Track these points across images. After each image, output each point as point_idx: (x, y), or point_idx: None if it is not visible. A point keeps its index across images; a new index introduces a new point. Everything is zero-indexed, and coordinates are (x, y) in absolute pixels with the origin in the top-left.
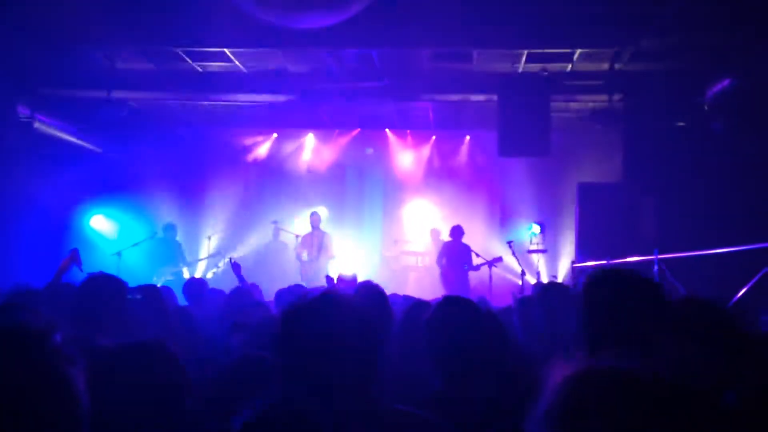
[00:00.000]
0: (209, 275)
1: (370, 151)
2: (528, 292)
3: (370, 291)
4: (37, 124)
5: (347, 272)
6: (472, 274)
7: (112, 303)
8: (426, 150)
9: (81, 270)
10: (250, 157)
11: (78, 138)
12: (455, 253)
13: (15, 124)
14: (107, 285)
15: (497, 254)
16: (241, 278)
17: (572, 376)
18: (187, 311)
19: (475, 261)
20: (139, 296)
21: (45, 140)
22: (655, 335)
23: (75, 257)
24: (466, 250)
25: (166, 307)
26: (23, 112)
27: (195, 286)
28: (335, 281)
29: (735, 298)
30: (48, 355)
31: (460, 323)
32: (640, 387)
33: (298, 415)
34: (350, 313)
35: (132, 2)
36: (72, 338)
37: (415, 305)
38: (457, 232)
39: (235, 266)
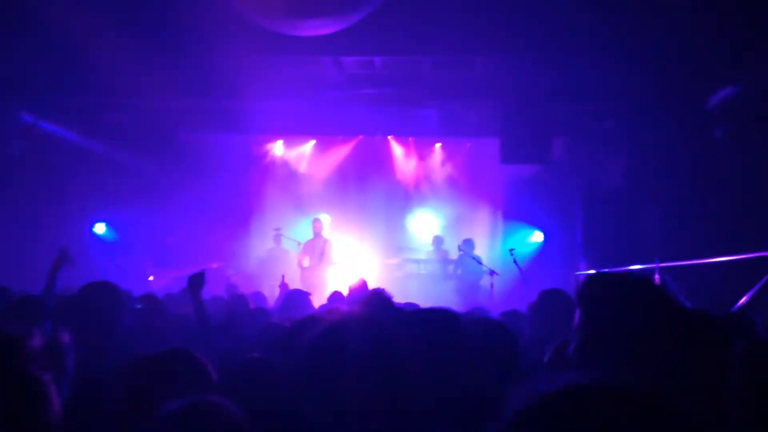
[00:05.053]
0: None
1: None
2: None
3: (379, 300)
4: (40, 131)
5: (355, 280)
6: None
7: (107, 311)
8: (429, 157)
9: (74, 266)
10: (253, 163)
11: (81, 143)
12: (468, 265)
13: (19, 130)
14: (103, 293)
15: (499, 261)
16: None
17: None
18: (188, 319)
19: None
20: (138, 305)
21: (48, 146)
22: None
23: (65, 255)
24: (478, 262)
25: (166, 315)
26: (27, 119)
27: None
28: (345, 291)
29: (737, 305)
30: (20, 360)
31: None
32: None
33: None
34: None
35: (134, 9)
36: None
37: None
38: (468, 244)
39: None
